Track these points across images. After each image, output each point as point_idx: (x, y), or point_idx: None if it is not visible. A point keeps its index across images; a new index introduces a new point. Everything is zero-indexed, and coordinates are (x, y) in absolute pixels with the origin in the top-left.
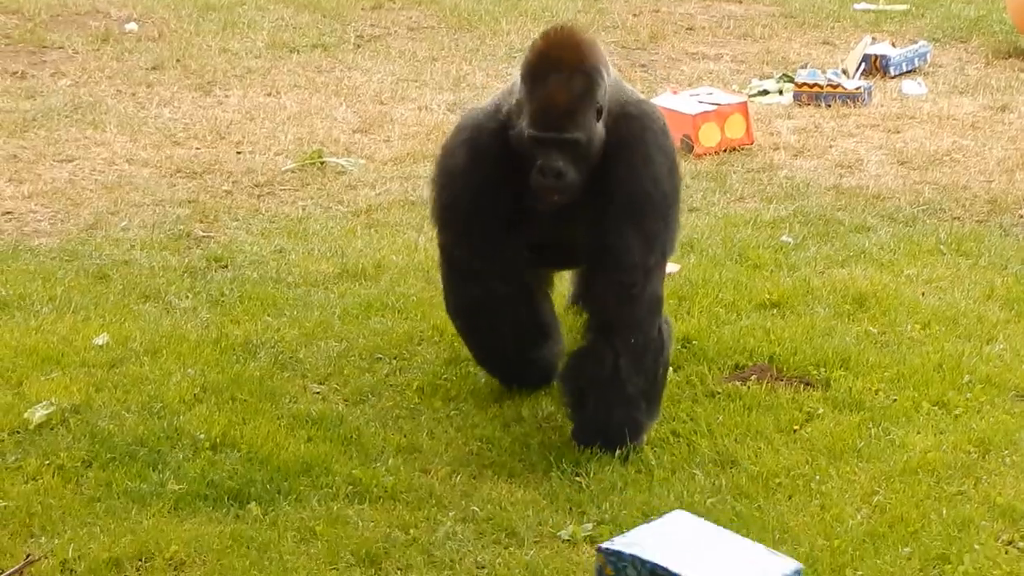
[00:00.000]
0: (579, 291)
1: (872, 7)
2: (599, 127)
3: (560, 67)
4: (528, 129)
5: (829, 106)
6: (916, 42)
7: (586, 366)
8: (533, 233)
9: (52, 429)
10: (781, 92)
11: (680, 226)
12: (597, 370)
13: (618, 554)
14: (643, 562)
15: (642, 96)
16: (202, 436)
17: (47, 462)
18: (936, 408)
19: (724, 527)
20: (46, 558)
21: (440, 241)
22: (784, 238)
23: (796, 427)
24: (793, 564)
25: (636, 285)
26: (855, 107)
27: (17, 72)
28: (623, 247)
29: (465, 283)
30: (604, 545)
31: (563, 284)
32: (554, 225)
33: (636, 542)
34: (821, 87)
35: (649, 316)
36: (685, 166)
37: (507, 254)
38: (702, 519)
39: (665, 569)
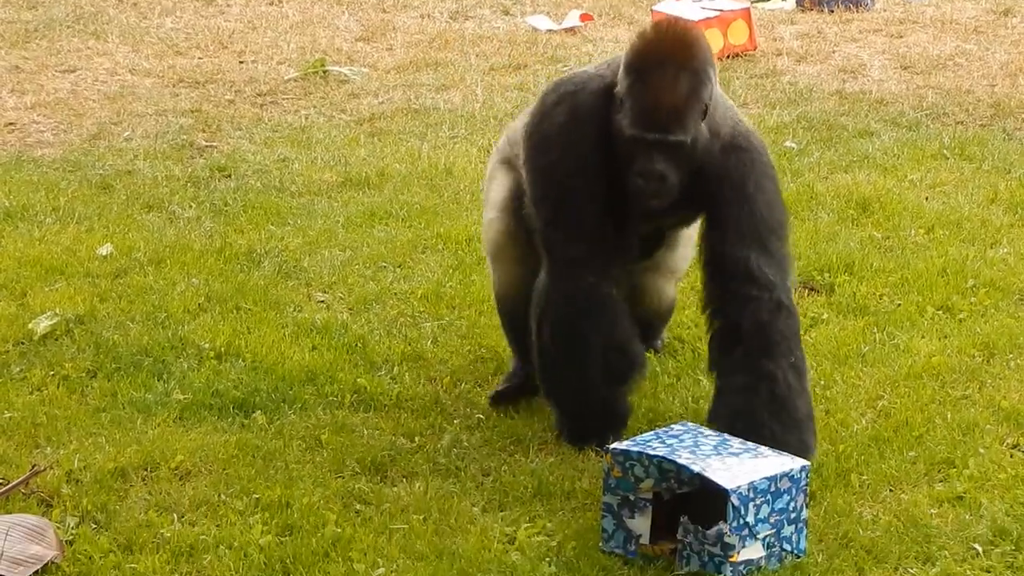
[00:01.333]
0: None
1: None
2: (703, 128)
3: (669, 63)
4: (630, 128)
5: (832, 11)
6: None
7: (750, 396)
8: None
9: (56, 340)
10: None
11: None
12: (766, 398)
13: (626, 453)
14: (651, 457)
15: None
16: (207, 346)
17: (52, 373)
18: (940, 312)
19: None
20: (51, 468)
21: (539, 223)
22: (788, 144)
23: (802, 330)
24: (800, 462)
25: (784, 304)
26: (858, 12)
27: None
28: (763, 271)
29: (561, 275)
30: (612, 446)
31: None
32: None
33: (644, 442)
34: None
35: (798, 334)
36: None
37: (608, 239)
38: (708, 428)
39: (672, 462)
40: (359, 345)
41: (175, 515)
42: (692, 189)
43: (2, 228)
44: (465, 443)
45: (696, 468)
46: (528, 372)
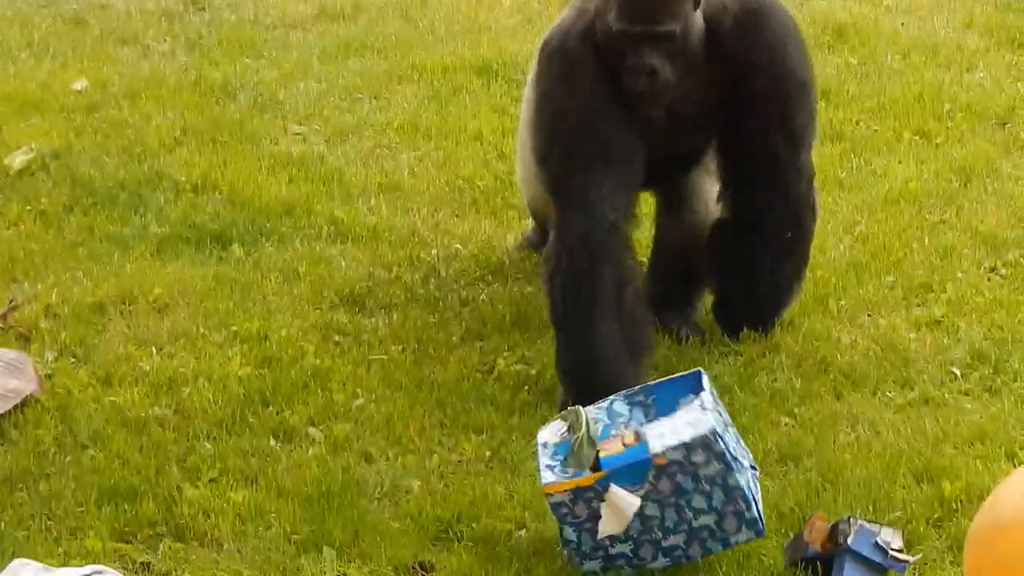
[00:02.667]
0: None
1: None
2: (696, 16)
3: None
4: (616, 23)
5: None
6: None
7: (737, 263)
8: (648, 150)
9: (32, 175)
10: None
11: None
12: (749, 268)
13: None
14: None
15: None
16: (183, 179)
17: (28, 208)
18: (917, 137)
19: None
20: (29, 303)
21: (547, 174)
22: None
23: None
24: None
25: (791, 186)
26: None
27: None
28: (773, 145)
29: (571, 217)
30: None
31: None
32: (671, 138)
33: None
34: None
35: (804, 209)
36: None
37: (621, 179)
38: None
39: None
40: (336, 177)
41: (154, 348)
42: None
43: None
44: (443, 274)
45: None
46: None
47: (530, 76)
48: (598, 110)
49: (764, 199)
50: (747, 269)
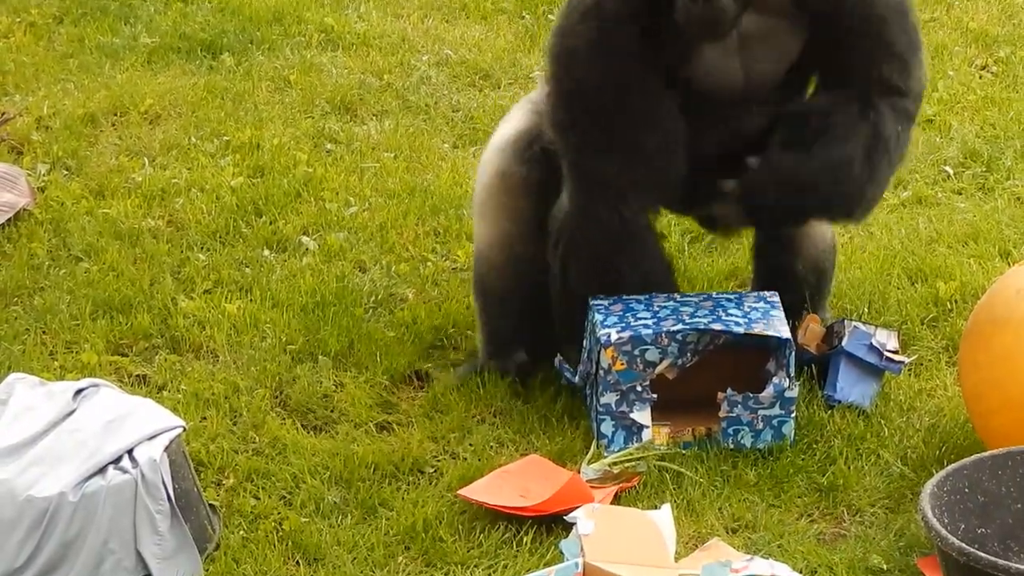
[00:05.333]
0: None
1: None
2: None
3: None
4: None
5: None
6: None
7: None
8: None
9: None
10: None
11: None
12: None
13: (636, 339)
14: (671, 334)
15: None
16: None
17: (18, 19)
18: None
19: None
20: (21, 115)
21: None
22: None
23: None
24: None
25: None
26: None
27: None
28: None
29: (593, 203)
30: (610, 339)
31: None
32: (739, 114)
33: (631, 326)
34: None
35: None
36: None
37: (658, 163)
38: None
39: (707, 330)
40: None
41: (146, 159)
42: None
43: None
44: (434, 80)
45: (740, 329)
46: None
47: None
48: (634, 82)
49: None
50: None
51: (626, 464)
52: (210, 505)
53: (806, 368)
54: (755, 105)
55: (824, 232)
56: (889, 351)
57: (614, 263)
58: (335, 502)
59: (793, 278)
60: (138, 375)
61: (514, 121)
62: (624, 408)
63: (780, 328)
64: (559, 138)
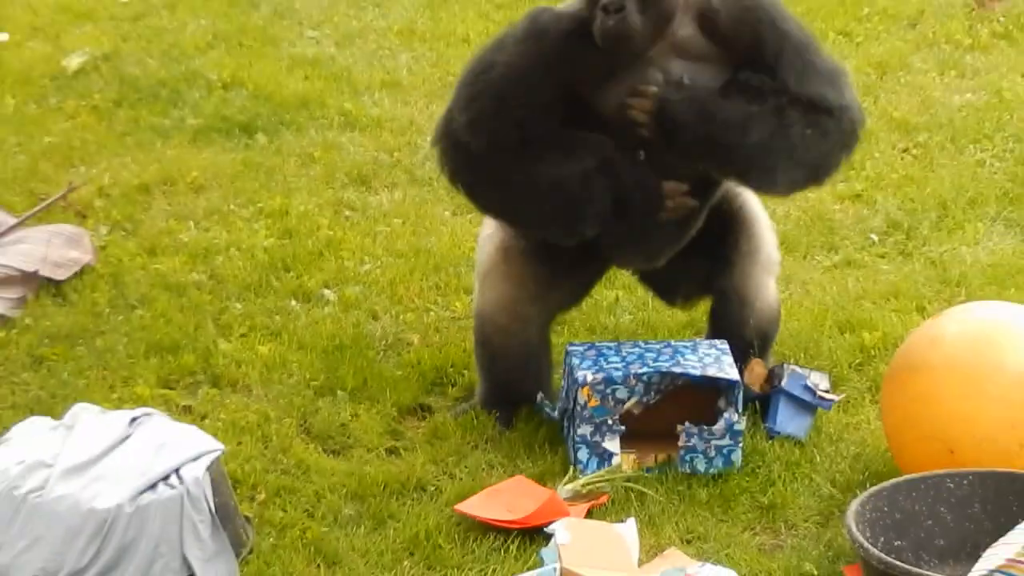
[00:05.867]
0: None
1: None
2: None
3: None
4: None
5: None
6: None
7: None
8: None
9: (86, 75)
10: None
11: None
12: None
13: (608, 380)
14: (638, 376)
15: None
16: (215, 77)
17: (83, 103)
18: (840, 36)
19: None
20: (85, 185)
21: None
22: None
23: None
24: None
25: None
26: None
27: None
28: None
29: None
30: (588, 379)
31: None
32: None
33: (606, 368)
34: None
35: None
36: None
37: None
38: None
39: (668, 373)
40: (344, 74)
41: (191, 223)
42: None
43: None
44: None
45: (696, 372)
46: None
47: None
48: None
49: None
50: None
51: (598, 484)
52: (245, 516)
53: (751, 404)
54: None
55: (771, 299)
56: (821, 391)
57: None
58: (350, 515)
59: (742, 333)
60: (184, 406)
61: None
62: (597, 438)
63: (729, 372)
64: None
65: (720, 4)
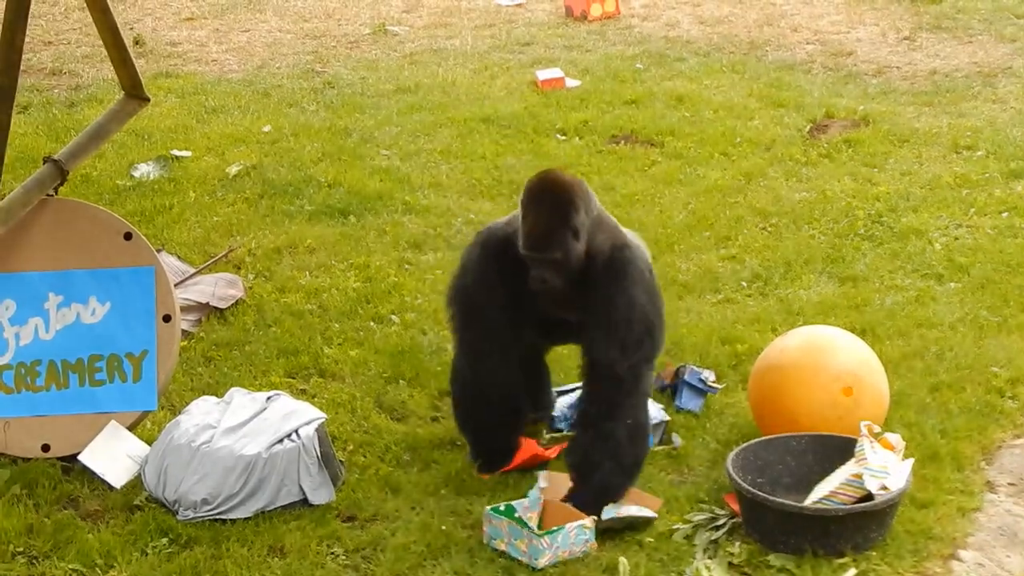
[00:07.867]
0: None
1: None
2: (578, 245)
3: (545, 199)
4: (521, 249)
5: None
6: None
7: (593, 447)
8: (537, 313)
9: (240, 178)
10: None
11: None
12: (602, 449)
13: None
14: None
15: (632, 237)
16: (323, 180)
17: (239, 195)
18: (722, 156)
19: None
20: (240, 248)
21: (450, 322)
22: (638, 65)
23: (646, 167)
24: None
25: (624, 381)
26: None
27: None
28: (608, 353)
29: (471, 362)
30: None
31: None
32: (555, 308)
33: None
34: None
35: (638, 407)
36: (582, 28)
37: (506, 335)
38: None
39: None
40: (406, 178)
41: (307, 272)
42: (581, 291)
43: (214, 118)
44: (465, 231)
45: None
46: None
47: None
48: (491, 292)
49: (604, 381)
50: (600, 449)
51: (559, 439)
52: (339, 460)
53: (666, 391)
54: (564, 310)
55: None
56: (711, 382)
57: (480, 389)
58: (407, 460)
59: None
60: (301, 389)
61: None
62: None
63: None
64: (447, 304)
65: (602, 259)
